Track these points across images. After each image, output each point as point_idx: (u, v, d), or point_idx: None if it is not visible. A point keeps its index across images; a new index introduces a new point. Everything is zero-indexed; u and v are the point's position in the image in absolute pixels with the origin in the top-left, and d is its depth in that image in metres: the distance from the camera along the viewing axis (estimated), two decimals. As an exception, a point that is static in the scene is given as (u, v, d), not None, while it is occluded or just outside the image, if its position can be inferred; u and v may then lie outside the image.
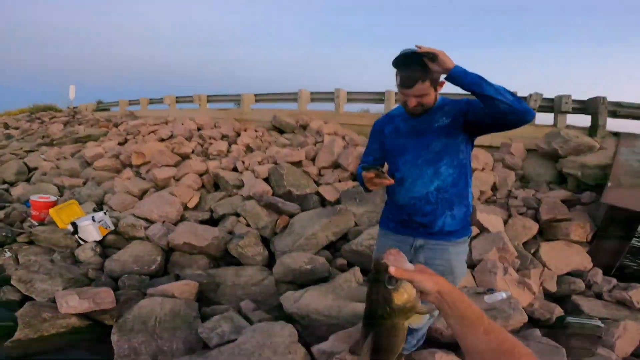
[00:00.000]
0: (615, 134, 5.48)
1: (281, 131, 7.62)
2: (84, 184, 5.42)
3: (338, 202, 4.21)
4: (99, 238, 3.65)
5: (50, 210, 3.77)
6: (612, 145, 5.00)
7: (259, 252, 3.49)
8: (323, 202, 4.33)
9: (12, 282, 2.86)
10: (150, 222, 4.00)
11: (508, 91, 1.28)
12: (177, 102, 12.31)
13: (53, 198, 4.39)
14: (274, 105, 9.82)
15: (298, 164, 5.20)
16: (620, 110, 5.70)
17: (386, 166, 1.67)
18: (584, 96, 6.09)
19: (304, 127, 7.37)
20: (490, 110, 1.29)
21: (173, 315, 2.55)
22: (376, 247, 1.91)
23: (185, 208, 4.46)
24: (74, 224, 3.59)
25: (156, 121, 9.37)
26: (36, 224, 4.04)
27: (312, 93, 8.89)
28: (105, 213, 3.95)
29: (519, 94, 6.28)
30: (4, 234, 3.77)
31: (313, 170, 5.02)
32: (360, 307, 2.41)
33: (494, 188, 4.62)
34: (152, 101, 13.39)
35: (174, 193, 4.49)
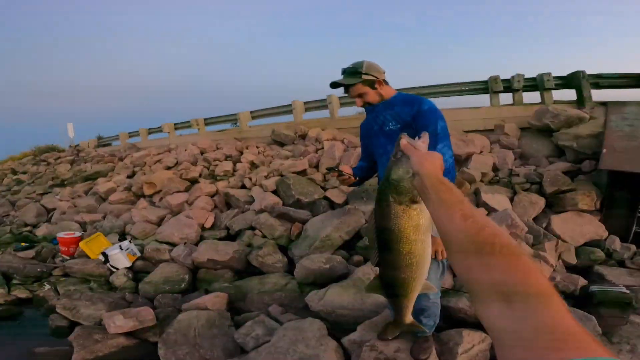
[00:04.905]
0: (603, 104, 5.60)
1: (282, 144, 7.87)
2: (104, 217, 5.68)
3: (346, 203, 4.43)
4: (128, 264, 3.90)
5: (81, 244, 4.04)
6: (602, 114, 5.11)
7: (278, 259, 3.72)
8: (332, 205, 4.54)
9: (57, 310, 3.11)
10: (173, 245, 4.25)
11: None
12: (175, 128, 12.57)
13: (78, 233, 4.66)
14: (271, 119, 10.05)
15: (303, 172, 5.45)
16: (602, 81, 5.89)
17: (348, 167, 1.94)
18: (562, 72, 6.32)
19: (303, 137, 7.61)
20: None
21: (210, 326, 2.77)
22: None
23: (203, 228, 4.70)
24: (104, 254, 3.85)
25: (159, 150, 9.66)
26: (67, 258, 4.30)
27: (305, 103, 9.09)
28: (130, 241, 4.21)
29: (502, 77, 6.56)
30: (39, 269, 4.05)
31: (318, 176, 5.25)
32: (382, 297, 2.62)
33: (495, 169, 4.75)
34: (151, 131, 13.67)
35: (190, 216, 4.74)
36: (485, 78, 6.72)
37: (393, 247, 0.86)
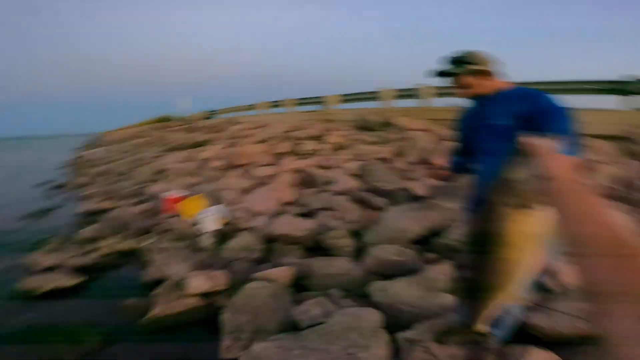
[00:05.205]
0: None
1: (367, 129, 7.80)
2: (203, 182, 6.40)
3: (428, 196, 4.20)
4: (217, 228, 4.33)
5: (180, 204, 4.60)
6: None
7: (348, 244, 3.73)
8: (411, 197, 4.37)
9: (151, 266, 3.57)
10: (255, 214, 4.57)
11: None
12: (269, 107, 13.47)
13: (182, 194, 5.30)
14: (358, 104, 10.03)
15: (385, 160, 5.31)
16: None
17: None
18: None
19: (389, 124, 7.42)
20: None
21: (272, 298, 2.81)
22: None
23: (283, 203, 4.95)
24: (197, 215, 4.33)
25: (253, 125, 10.42)
26: (171, 216, 4.95)
27: (394, 90, 8.87)
28: (223, 206, 4.65)
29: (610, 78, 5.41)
30: (146, 224, 4.74)
31: (400, 165, 5.07)
32: (449, 298, 2.43)
33: (618, 182, 4.08)
34: (249, 107, 14.90)
35: (274, 189, 5.03)
36: (612, 78, 5.64)
37: (491, 250, 0.82)
